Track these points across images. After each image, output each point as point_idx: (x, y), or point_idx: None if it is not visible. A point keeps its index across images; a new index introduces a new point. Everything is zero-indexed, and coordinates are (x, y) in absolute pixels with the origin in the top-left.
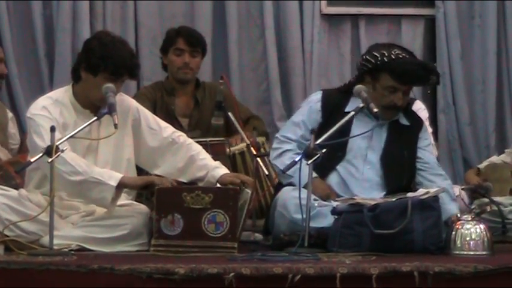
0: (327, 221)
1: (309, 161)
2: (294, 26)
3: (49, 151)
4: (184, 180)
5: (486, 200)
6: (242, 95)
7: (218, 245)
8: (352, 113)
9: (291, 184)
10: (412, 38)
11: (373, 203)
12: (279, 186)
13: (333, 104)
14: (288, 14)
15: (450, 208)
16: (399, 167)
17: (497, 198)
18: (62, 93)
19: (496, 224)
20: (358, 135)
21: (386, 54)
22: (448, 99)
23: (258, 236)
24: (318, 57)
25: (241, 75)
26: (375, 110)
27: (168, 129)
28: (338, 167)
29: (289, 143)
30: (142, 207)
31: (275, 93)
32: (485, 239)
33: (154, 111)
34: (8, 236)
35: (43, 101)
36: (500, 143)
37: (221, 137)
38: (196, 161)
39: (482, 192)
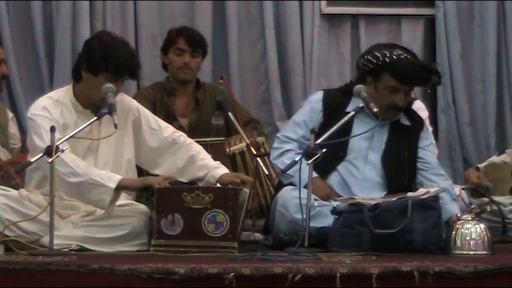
0: (327, 220)
1: (309, 161)
2: (294, 26)
3: (49, 151)
4: (184, 180)
5: (486, 199)
6: (242, 95)
7: (218, 245)
8: (352, 112)
9: (291, 184)
10: (412, 38)
11: (373, 202)
12: (279, 186)
13: (334, 104)
14: (287, 14)
15: (451, 208)
16: (400, 167)
17: (497, 198)
18: (63, 93)
19: (496, 223)
20: (358, 135)
21: (388, 55)
22: (448, 99)
23: (258, 236)
24: (317, 57)
25: (241, 75)
26: (375, 109)
27: (168, 129)
28: (339, 167)
29: (290, 142)
30: (143, 207)
31: (275, 93)
32: (486, 239)
33: (154, 112)
34: (8, 236)
35: (43, 101)
36: (500, 142)
37: (221, 137)
38: (196, 161)
39: (482, 191)
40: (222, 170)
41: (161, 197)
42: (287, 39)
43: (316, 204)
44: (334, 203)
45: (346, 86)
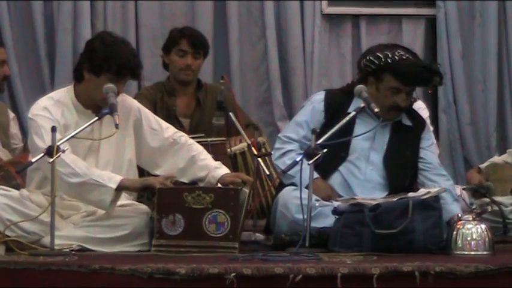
0: (328, 221)
1: (310, 161)
2: (295, 26)
3: (50, 151)
4: (185, 181)
5: (487, 200)
6: (243, 95)
7: (219, 245)
8: (353, 113)
9: (292, 184)
10: (412, 38)
11: (374, 203)
12: (280, 186)
13: (336, 104)
14: (288, 14)
15: (452, 208)
16: (402, 168)
17: (498, 198)
18: (64, 94)
19: (497, 224)
20: (359, 135)
21: (389, 55)
22: (449, 99)
23: (259, 236)
24: (318, 57)
25: (242, 75)
26: (376, 110)
27: (169, 129)
28: (340, 168)
29: (291, 143)
30: (143, 208)
31: (276, 93)
32: (486, 239)
33: (155, 112)
34: (9, 236)
35: (44, 101)
36: (501, 142)
37: (222, 137)
38: (197, 161)
39: (483, 192)
40: (222, 170)
41: (162, 197)
42: (288, 39)
43: (317, 204)
44: (335, 203)
45: (348, 87)
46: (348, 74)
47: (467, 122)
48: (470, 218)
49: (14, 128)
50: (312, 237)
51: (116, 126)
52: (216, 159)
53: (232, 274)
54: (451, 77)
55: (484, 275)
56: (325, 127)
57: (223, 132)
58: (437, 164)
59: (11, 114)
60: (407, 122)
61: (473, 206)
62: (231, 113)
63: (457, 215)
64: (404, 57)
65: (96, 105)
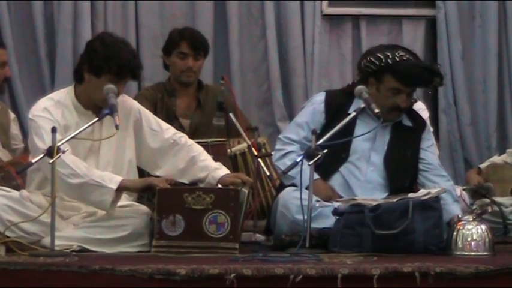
0: (328, 221)
1: (310, 162)
2: (295, 27)
3: (50, 152)
4: (185, 181)
5: (487, 200)
6: (243, 95)
7: (219, 246)
8: (353, 113)
9: (293, 185)
10: (413, 39)
11: (374, 203)
12: (280, 187)
13: (337, 105)
14: (289, 15)
15: (452, 209)
16: (402, 169)
17: (498, 199)
18: (64, 94)
19: (497, 224)
20: (359, 135)
21: (390, 56)
22: (449, 100)
23: (259, 237)
24: (319, 58)
25: (242, 76)
26: (376, 110)
27: (169, 130)
28: (341, 169)
29: (291, 144)
30: (144, 208)
31: (276, 93)
32: (487, 240)
33: (155, 112)
34: (9, 237)
35: (44, 102)
36: (501, 143)
37: (222, 137)
38: (197, 162)
39: (483, 192)
40: (222, 171)
41: (162, 197)
42: (288, 40)
43: (317, 205)
44: (335, 204)
45: (348, 87)
46: (348, 75)
47: (467, 122)
48: (471, 219)
49: (15, 129)
50: (312, 237)
51: (116, 127)
52: (216, 160)
53: (233, 275)
54: (451, 78)
55: (484, 276)
56: (325, 128)
57: (223, 132)
58: (438, 164)
59: (12, 115)
60: (407, 122)
61: (474, 207)
62: (231, 114)
63: (457, 216)
64: (404, 58)
65: (97, 106)
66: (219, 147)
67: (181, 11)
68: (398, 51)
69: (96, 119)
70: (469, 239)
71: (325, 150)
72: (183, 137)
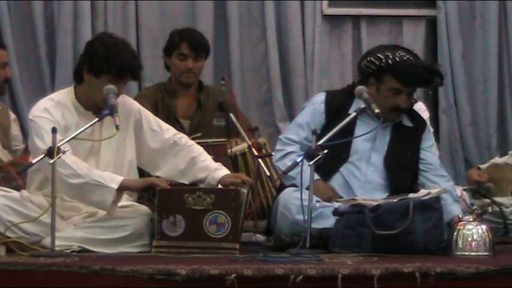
0: (328, 222)
1: (311, 162)
2: (295, 27)
3: (50, 152)
4: (186, 182)
5: (488, 200)
6: (243, 95)
7: (220, 246)
8: (354, 114)
9: (293, 185)
10: (413, 39)
11: (374, 203)
12: (280, 187)
13: (337, 105)
14: (289, 15)
15: (453, 209)
16: (403, 169)
17: (498, 199)
18: (64, 95)
19: (497, 224)
20: (360, 135)
21: (390, 56)
22: (449, 100)
23: (260, 237)
24: (319, 58)
25: (242, 76)
26: (377, 110)
27: (169, 130)
28: (341, 169)
29: (292, 145)
30: (144, 209)
31: (276, 94)
32: (487, 240)
33: (156, 113)
34: (9, 238)
35: (44, 102)
36: (501, 143)
37: (223, 138)
38: (197, 162)
39: (483, 192)
40: (222, 171)
41: (163, 198)
42: (288, 40)
43: (317, 205)
44: (336, 204)
45: (349, 88)
46: (348, 75)
47: (467, 122)
48: (471, 219)
49: (15, 130)
50: (312, 238)
51: (117, 127)
52: (216, 160)
53: (233, 275)
54: (452, 78)
55: (484, 276)
56: (325, 128)
57: (223, 133)
58: (438, 165)
59: (12, 116)
60: (407, 123)
61: (474, 207)
62: (231, 114)
63: (458, 216)
64: (405, 58)
65: (97, 107)
66: (219, 147)
67: (182, 11)
68: (399, 52)
69: (97, 119)
70: (469, 239)
71: (325, 151)
72: (183, 138)
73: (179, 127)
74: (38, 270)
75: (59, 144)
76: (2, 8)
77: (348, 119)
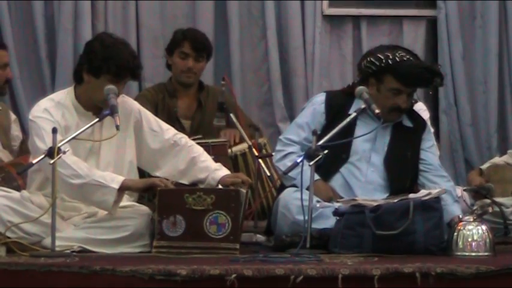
0: (329, 222)
1: (311, 162)
2: (296, 27)
3: (51, 153)
4: (186, 182)
5: (488, 201)
6: (244, 96)
7: (220, 246)
8: (354, 114)
9: (293, 186)
10: (413, 39)
11: (375, 204)
12: (281, 188)
13: (337, 106)
14: (289, 15)
15: (453, 209)
16: (403, 169)
17: (499, 199)
18: (64, 95)
19: (498, 225)
20: (360, 136)
21: (390, 57)
22: (449, 100)
23: (260, 237)
24: (319, 58)
25: (242, 76)
26: (377, 111)
27: (169, 131)
28: (342, 169)
29: (292, 145)
30: (144, 209)
31: (277, 94)
32: (487, 240)
33: (156, 113)
34: (10, 238)
35: (44, 103)
36: (502, 143)
37: (223, 138)
38: (197, 163)
39: (484, 193)
40: (222, 171)
41: (163, 198)
42: (289, 40)
43: (318, 205)
44: (336, 205)
45: (349, 88)
46: (348, 75)
47: (468, 123)
48: (471, 219)
49: (16, 130)
50: (312, 238)
51: (117, 127)
52: (216, 160)
53: (233, 275)
54: (452, 78)
55: (485, 276)
56: (326, 129)
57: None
58: (438, 165)
59: (13, 116)
60: (408, 123)
61: (474, 207)
62: (231, 114)
63: (458, 216)
64: (405, 59)
65: (97, 107)
66: (219, 147)
67: (182, 11)
68: (399, 52)
69: (97, 119)
70: (469, 240)
71: (325, 151)
72: (184, 138)
73: (180, 127)
74: (38, 271)
75: (59, 145)
76: (2, 8)
77: (348, 119)
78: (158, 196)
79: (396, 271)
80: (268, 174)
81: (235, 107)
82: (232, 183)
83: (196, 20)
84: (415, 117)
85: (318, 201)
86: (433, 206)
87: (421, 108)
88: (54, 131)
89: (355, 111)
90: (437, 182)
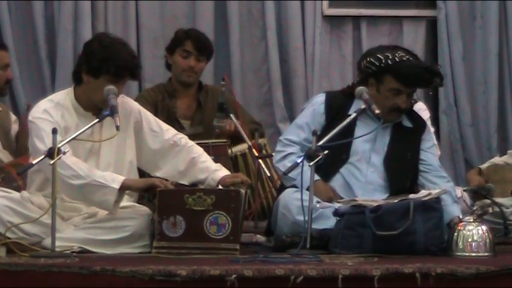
0: (329, 222)
1: (311, 163)
2: (296, 27)
3: (51, 153)
4: (185, 183)
5: (488, 201)
6: (244, 96)
7: (220, 247)
8: (354, 114)
9: (293, 186)
10: (413, 39)
11: (375, 204)
12: (281, 188)
13: (337, 106)
14: (289, 15)
15: (452, 210)
16: (402, 170)
17: (499, 200)
18: (64, 96)
19: (498, 225)
20: (359, 136)
21: (390, 57)
22: (449, 100)
23: (260, 238)
24: (319, 59)
25: (242, 77)
26: (377, 111)
27: (169, 131)
28: (342, 170)
29: (292, 146)
30: (144, 209)
31: (277, 94)
32: (487, 241)
33: (156, 113)
34: (10, 238)
35: (44, 104)
36: (502, 143)
37: (223, 138)
38: (197, 163)
39: (484, 193)
40: (222, 172)
41: (163, 198)
42: (289, 41)
43: (318, 206)
44: (336, 205)
45: (348, 88)
46: (348, 76)
47: (468, 123)
48: (471, 220)
49: (16, 130)
50: (313, 238)
51: (117, 128)
52: (216, 161)
53: (233, 276)
54: (452, 78)
55: (485, 277)
56: (326, 129)
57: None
58: (438, 165)
59: (13, 117)
60: (407, 123)
61: (474, 208)
62: (232, 115)
63: (458, 217)
64: (404, 59)
65: (96, 107)
66: (219, 148)
67: (182, 11)
68: (398, 52)
69: (97, 120)
70: (469, 240)
71: (325, 152)
72: (183, 138)
73: (180, 127)
74: (38, 271)
75: (59, 145)
76: (2, 8)
77: (348, 119)
78: (158, 196)
79: (396, 271)
80: (268, 174)
81: (236, 104)
82: (232, 184)
83: (196, 20)
84: (415, 117)
85: (318, 202)
86: (433, 206)
87: (421, 108)
88: (54, 131)
89: (355, 112)
90: (437, 182)
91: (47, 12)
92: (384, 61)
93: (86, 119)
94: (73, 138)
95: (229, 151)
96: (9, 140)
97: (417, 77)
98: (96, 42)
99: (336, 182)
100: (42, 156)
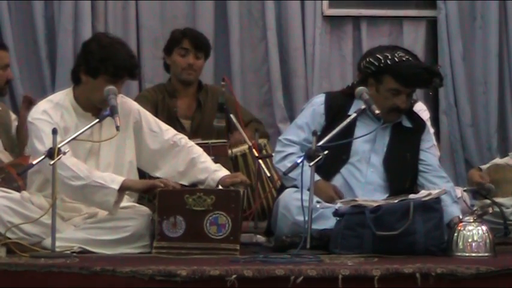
0: (329, 222)
1: (311, 163)
2: (296, 28)
3: (51, 154)
4: (185, 183)
5: (488, 201)
6: (244, 96)
7: (220, 247)
8: (354, 114)
9: (294, 186)
10: (413, 40)
11: (375, 204)
12: (281, 188)
13: (337, 106)
14: (289, 16)
15: (452, 210)
16: (402, 170)
17: (499, 200)
18: (63, 96)
19: (498, 225)
20: (359, 137)
21: (389, 57)
22: (450, 101)
23: (260, 238)
24: (319, 59)
25: (243, 77)
26: (377, 111)
27: (169, 131)
28: (342, 170)
29: (292, 146)
30: (145, 209)
31: (277, 94)
32: (487, 241)
33: (156, 114)
34: (10, 239)
35: (43, 104)
36: (502, 143)
37: (223, 139)
38: (197, 164)
39: (484, 193)
40: (222, 172)
41: (163, 199)
42: (289, 41)
43: (318, 206)
44: (336, 205)
45: (348, 89)
46: (348, 76)
47: (468, 123)
48: (471, 220)
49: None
50: (313, 239)
51: (117, 128)
52: (216, 161)
53: (234, 276)
54: (452, 79)
55: (485, 277)
56: (325, 129)
57: (224, 133)
58: (437, 166)
59: (13, 117)
60: (407, 123)
61: (474, 208)
62: (232, 115)
63: (457, 217)
64: (404, 59)
65: (96, 108)
66: (219, 148)
67: (182, 12)
68: (398, 52)
69: (97, 120)
70: (469, 240)
71: (325, 152)
72: (183, 138)
73: (180, 127)
74: (38, 271)
75: (59, 146)
76: (2, 8)
77: (348, 120)
78: (158, 197)
79: (396, 272)
80: (268, 174)
81: (235, 104)
82: (232, 184)
83: (196, 20)
84: (415, 117)
85: (318, 202)
86: (433, 206)
87: (421, 109)
88: (54, 131)
89: (355, 112)
90: (437, 182)
91: (47, 12)
92: (383, 61)
93: (86, 119)
94: (73, 139)
95: (229, 151)
96: (10, 139)
97: (416, 77)
98: (94, 42)
99: (336, 182)
100: (42, 157)
